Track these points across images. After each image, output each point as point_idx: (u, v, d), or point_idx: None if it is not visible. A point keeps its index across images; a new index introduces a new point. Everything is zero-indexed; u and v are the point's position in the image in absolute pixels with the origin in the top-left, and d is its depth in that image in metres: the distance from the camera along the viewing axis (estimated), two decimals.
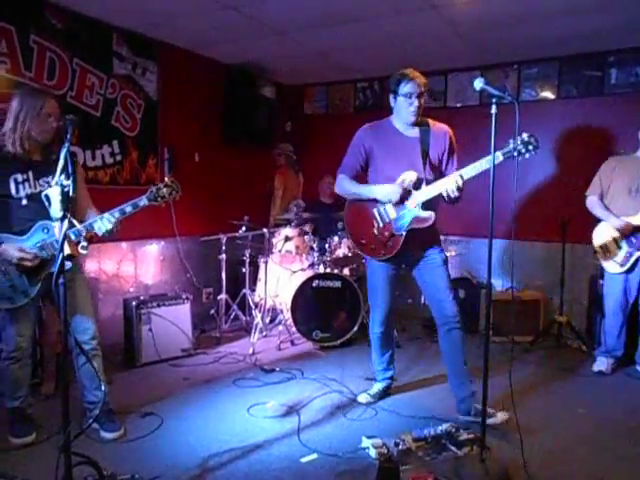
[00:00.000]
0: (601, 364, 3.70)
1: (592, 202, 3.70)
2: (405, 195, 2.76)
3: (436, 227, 2.88)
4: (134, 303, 3.77)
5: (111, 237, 2.53)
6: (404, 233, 2.80)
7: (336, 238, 4.62)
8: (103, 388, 2.53)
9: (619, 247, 3.56)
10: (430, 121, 2.89)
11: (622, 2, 3.47)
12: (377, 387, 3.19)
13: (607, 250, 3.62)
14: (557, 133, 4.74)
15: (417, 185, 2.76)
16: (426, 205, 2.76)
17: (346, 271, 4.53)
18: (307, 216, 4.79)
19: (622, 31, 4.06)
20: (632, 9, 3.58)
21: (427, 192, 2.74)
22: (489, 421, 2.54)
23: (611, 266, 3.61)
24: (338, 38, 4.29)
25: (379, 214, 2.87)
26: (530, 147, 2.41)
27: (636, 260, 3.49)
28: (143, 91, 4.39)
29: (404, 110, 2.79)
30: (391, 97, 2.86)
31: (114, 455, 2.49)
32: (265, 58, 4.92)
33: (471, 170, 2.58)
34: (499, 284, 4.84)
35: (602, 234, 3.65)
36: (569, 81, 4.72)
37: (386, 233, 2.85)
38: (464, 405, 2.84)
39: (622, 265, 3.54)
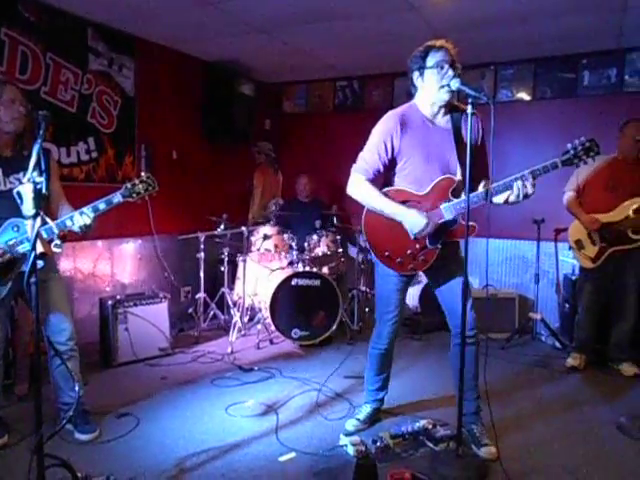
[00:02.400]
0: (574, 360, 3.77)
1: (569, 198, 3.78)
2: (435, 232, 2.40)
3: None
4: (110, 302, 3.72)
5: (85, 235, 2.48)
6: (440, 246, 2.46)
7: (315, 237, 4.63)
8: (77, 389, 2.48)
9: (593, 243, 3.64)
10: (460, 105, 2.47)
11: (593, 5, 3.54)
12: (366, 410, 2.83)
13: (582, 246, 3.70)
14: (532, 133, 4.81)
15: (456, 192, 2.41)
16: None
17: (325, 270, 4.53)
18: (285, 214, 4.78)
19: (594, 34, 4.15)
20: (603, 12, 3.66)
21: (454, 207, 2.38)
22: (474, 449, 2.50)
23: (585, 261, 3.70)
24: (318, 36, 4.29)
25: None
26: (592, 153, 2.27)
27: (609, 256, 3.58)
28: (120, 87, 4.33)
29: (436, 86, 2.35)
30: (416, 77, 2.44)
31: (89, 457, 2.45)
32: (244, 55, 4.90)
33: (535, 172, 2.31)
34: (475, 282, 4.91)
35: (577, 230, 3.73)
36: (544, 82, 4.81)
37: (417, 246, 2.45)
38: (464, 421, 2.47)
39: (595, 261, 3.63)
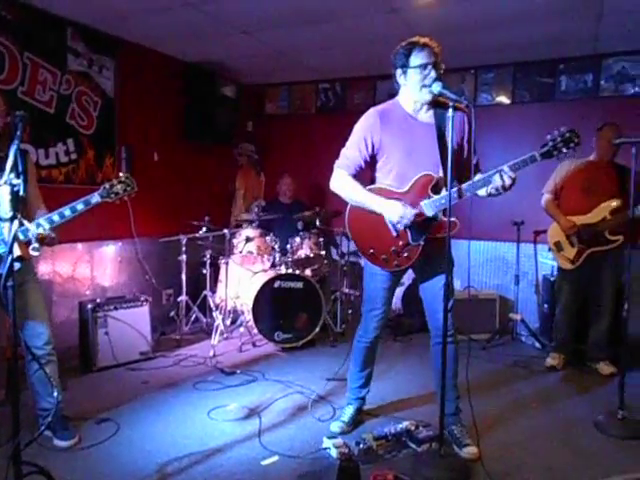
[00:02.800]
0: (552, 359, 3.84)
1: (547, 200, 3.85)
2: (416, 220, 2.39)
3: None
4: (90, 306, 3.66)
5: (53, 244, 2.42)
6: (422, 243, 2.46)
7: (298, 239, 4.62)
8: (56, 394, 2.44)
9: (572, 244, 3.71)
10: (444, 101, 2.42)
11: (570, 12, 3.61)
12: (349, 411, 2.82)
13: (560, 248, 3.77)
14: (512, 137, 4.88)
15: (436, 188, 2.41)
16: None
17: (308, 272, 4.53)
18: (267, 217, 4.77)
19: (571, 40, 4.23)
20: (580, 19, 3.74)
21: (438, 202, 2.38)
22: (456, 450, 2.52)
23: (563, 262, 3.76)
24: (300, 38, 4.30)
25: (392, 222, 2.46)
26: (571, 144, 2.25)
27: (587, 257, 3.65)
28: (100, 88, 4.27)
29: (418, 86, 2.36)
30: (398, 74, 2.43)
31: (68, 464, 2.42)
32: (226, 57, 4.88)
33: (514, 166, 2.29)
34: (457, 283, 4.95)
35: (556, 232, 3.80)
36: (523, 87, 4.89)
37: (401, 243, 2.46)
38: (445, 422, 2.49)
39: (574, 262, 3.69)
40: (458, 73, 5.04)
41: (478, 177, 2.41)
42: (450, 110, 2.23)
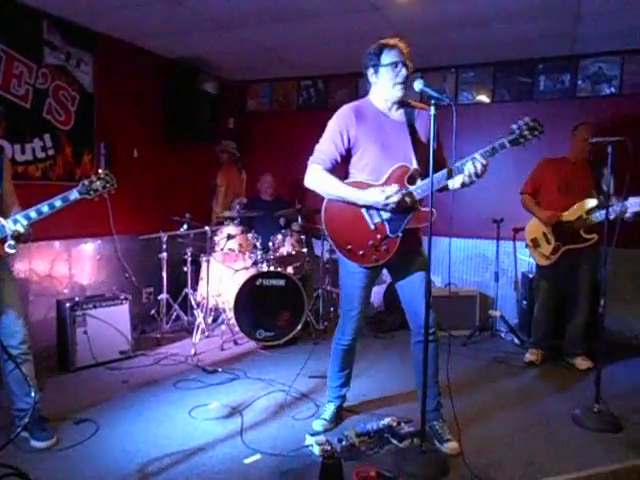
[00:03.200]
0: (531, 355, 3.90)
1: (525, 199, 3.91)
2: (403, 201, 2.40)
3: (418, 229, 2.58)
4: (68, 305, 3.60)
5: (28, 240, 2.38)
6: (400, 235, 2.47)
7: (279, 236, 4.61)
8: (33, 394, 2.39)
9: (548, 242, 3.77)
10: (412, 101, 2.58)
11: (549, 13, 3.67)
12: (330, 409, 2.83)
13: (537, 244, 3.83)
14: (492, 136, 4.90)
15: (412, 179, 2.44)
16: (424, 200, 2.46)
17: (290, 269, 4.52)
18: (249, 214, 4.75)
19: (549, 41, 4.29)
20: (558, 20, 3.79)
21: (421, 187, 2.42)
22: (437, 444, 2.55)
23: (540, 259, 3.82)
24: (283, 35, 4.28)
25: (369, 215, 2.48)
26: (536, 132, 2.35)
27: (563, 253, 3.71)
28: (78, 83, 4.19)
29: (389, 83, 2.43)
30: (370, 73, 2.50)
31: (46, 465, 2.37)
32: (208, 53, 4.83)
33: (485, 153, 2.36)
34: (438, 281, 5.01)
35: (533, 229, 3.86)
36: (502, 86, 4.95)
37: (379, 236, 2.47)
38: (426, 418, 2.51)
39: (550, 258, 3.76)
40: (439, 72, 5.08)
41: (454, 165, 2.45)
42: (432, 108, 2.26)
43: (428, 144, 2.46)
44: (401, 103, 2.54)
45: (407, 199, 2.41)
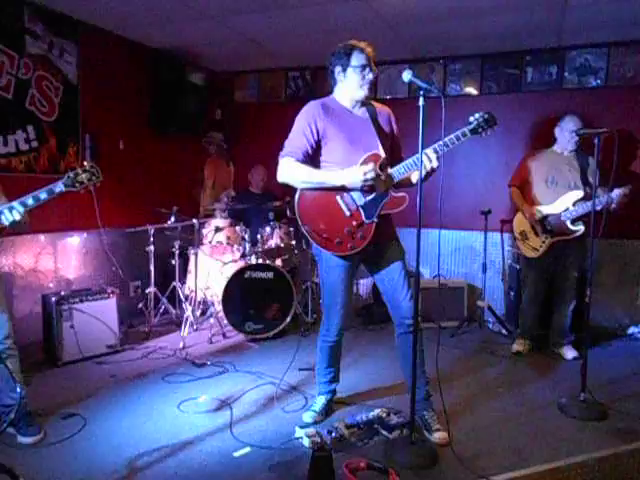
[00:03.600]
0: (518, 345, 3.94)
1: (513, 192, 3.94)
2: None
3: (392, 217, 2.66)
4: (54, 299, 3.56)
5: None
6: (376, 220, 2.51)
7: (268, 229, 4.59)
8: (19, 390, 2.36)
9: (536, 234, 3.80)
10: (372, 102, 2.70)
11: (536, 4, 3.67)
12: (320, 401, 2.84)
13: (525, 237, 3.85)
14: None
15: (383, 167, 2.51)
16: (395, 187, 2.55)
17: (278, 262, 4.51)
18: (238, 207, 4.72)
19: (537, 32, 4.30)
20: (545, 11, 3.80)
21: (399, 170, 2.49)
22: (426, 434, 2.57)
23: (528, 251, 3.85)
24: (270, 25, 4.23)
25: (344, 202, 2.50)
26: (490, 123, 2.47)
27: (550, 245, 3.74)
28: (61, 73, 4.11)
29: (356, 84, 2.52)
30: (338, 71, 2.58)
31: (33, 460, 2.35)
32: (194, 43, 4.77)
33: (444, 145, 2.44)
34: (426, 272, 5.03)
35: (522, 222, 3.88)
36: (490, 78, 4.95)
37: (354, 223, 2.50)
38: (416, 408, 2.52)
39: (538, 250, 3.79)
40: (427, 63, 5.07)
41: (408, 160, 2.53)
42: (420, 99, 2.27)
43: (391, 139, 2.66)
44: (363, 102, 2.64)
45: (382, 177, 2.48)
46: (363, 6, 3.76)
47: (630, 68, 4.48)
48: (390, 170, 2.52)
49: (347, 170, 2.45)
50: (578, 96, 4.61)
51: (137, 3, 3.79)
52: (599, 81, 4.59)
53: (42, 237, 4.04)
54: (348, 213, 2.50)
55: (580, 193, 3.66)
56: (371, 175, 2.40)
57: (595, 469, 2.36)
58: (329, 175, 2.49)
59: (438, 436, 2.53)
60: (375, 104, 2.70)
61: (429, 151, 2.42)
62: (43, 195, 2.28)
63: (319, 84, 5.51)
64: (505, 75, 4.89)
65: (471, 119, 2.48)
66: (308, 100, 2.68)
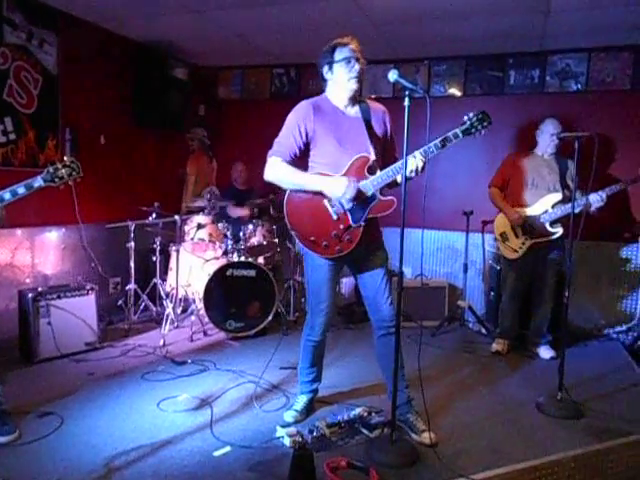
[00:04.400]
0: (498, 345, 3.99)
1: (493, 193, 3.98)
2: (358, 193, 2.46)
3: (378, 220, 2.66)
4: (30, 295, 3.48)
5: (0, 225, 2.30)
6: (363, 224, 2.50)
7: (250, 226, 4.56)
8: None
9: (516, 235, 3.84)
10: (367, 100, 2.66)
11: (519, 8, 3.71)
12: (302, 400, 2.84)
13: (506, 238, 3.90)
14: None
15: (372, 170, 2.51)
16: (383, 190, 2.53)
17: (261, 260, 4.49)
18: (221, 203, 4.68)
19: (520, 36, 4.36)
20: (527, 15, 3.84)
21: (386, 175, 2.47)
22: (413, 437, 2.57)
23: (508, 252, 3.90)
24: (255, 20, 4.20)
25: (331, 205, 2.49)
26: (485, 123, 2.45)
27: (530, 247, 3.79)
28: (41, 64, 4.03)
29: (344, 77, 2.50)
30: (325, 71, 2.57)
31: (8, 460, 2.30)
32: (178, 37, 4.71)
33: (434, 148, 2.43)
34: (408, 272, 5.06)
35: (502, 223, 3.92)
36: (474, 80, 5.00)
37: (341, 226, 2.49)
38: (399, 412, 2.57)
39: (518, 252, 3.83)
40: (412, 64, 5.10)
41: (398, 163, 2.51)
42: (406, 99, 2.27)
43: (384, 139, 2.63)
44: (356, 100, 2.61)
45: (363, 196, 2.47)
46: (350, 5, 3.75)
47: (609, 73, 4.57)
48: (363, 182, 2.47)
49: (331, 180, 2.45)
50: (559, 100, 4.69)
51: None
52: (579, 85, 4.67)
53: (19, 232, 3.95)
54: (335, 217, 2.49)
55: (559, 196, 3.72)
56: (349, 196, 2.42)
57: (571, 467, 2.41)
58: (312, 179, 2.49)
59: (427, 436, 2.53)
60: (369, 102, 2.66)
61: (417, 154, 2.40)
62: (21, 190, 2.24)
63: (304, 82, 5.50)
64: (488, 77, 4.95)
65: (465, 119, 2.46)
66: (293, 97, 2.69)
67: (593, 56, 4.61)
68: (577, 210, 3.27)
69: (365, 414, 2.68)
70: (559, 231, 3.71)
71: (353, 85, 2.52)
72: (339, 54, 2.51)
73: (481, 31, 4.26)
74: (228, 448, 2.46)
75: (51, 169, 2.28)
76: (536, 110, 4.54)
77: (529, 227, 3.77)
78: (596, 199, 3.52)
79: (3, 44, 3.73)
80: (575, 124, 4.32)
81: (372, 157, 2.51)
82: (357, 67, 2.50)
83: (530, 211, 3.78)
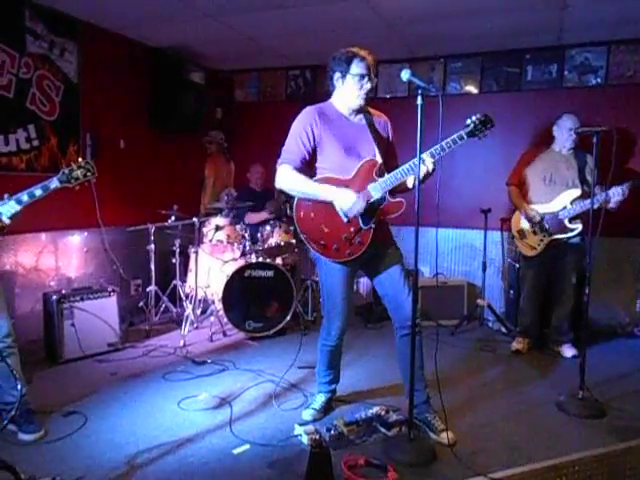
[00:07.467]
0: (518, 344, 3.95)
1: (511, 191, 3.94)
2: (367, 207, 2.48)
3: (389, 222, 2.68)
4: (55, 297, 3.57)
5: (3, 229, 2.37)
6: (373, 226, 2.52)
7: (268, 227, 4.60)
8: (19, 387, 2.37)
9: (534, 232, 3.80)
10: (369, 109, 2.69)
11: (536, 3, 3.67)
12: (320, 399, 2.85)
13: (524, 235, 3.86)
14: None
15: (381, 173, 2.53)
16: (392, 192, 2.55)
17: (278, 260, 4.52)
18: (239, 205, 4.72)
19: (537, 31, 4.30)
20: (544, 10, 3.80)
21: (395, 177, 2.47)
22: (432, 436, 2.56)
23: (527, 250, 3.86)
24: (269, 24, 4.23)
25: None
26: (488, 125, 2.46)
27: (548, 244, 3.75)
28: (62, 73, 4.12)
29: (353, 92, 2.52)
30: (337, 77, 2.56)
31: (34, 457, 2.37)
32: (194, 42, 4.77)
33: (440, 150, 2.42)
34: (426, 271, 5.03)
35: (519, 220, 3.88)
36: (490, 76, 4.95)
37: (352, 229, 2.50)
38: (417, 411, 2.58)
39: (536, 249, 3.79)
40: (427, 62, 5.06)
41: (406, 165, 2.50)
42: (419, 98, 2.28)
43: (386, 147, 2.64)
44: (360, 109, 2.63)
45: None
46: (363, 6, 3.76)
47: (629, 67, 4.48)
48: (372, 185, 2.49)
49: (337, 190, 2.46)
50: (578, 94, 4.61)
51: (137, 2, 3.80)
52: (599, 79, 4.59)
53: (43, 235, 4.05)
54: (346, 220, 2.49)
55: (578, 191, 3.66)
56: (355, 210, 2.45)
57: (593, 466, 2.37)
58: (323, 190, 2.49)
59: (446, 436, 2.52)
60: (372, 111, 2.70)
61: (425, 155, 2.40)
62: (38, 192, 2.30)
63: (319, 83, 5.51)
64: (505, 73, 4.89)
65: (468, 122, 2.47)
66: (308, 99, 2.70)
67: (613, 49, 4.52)
68: (596, 206, 3.22)
69: (383, 413, 2.68)
70: (578, 227, 3.66)
71: (360, 101, 2.54)
72: (355, 67, 2.50)
73: (497, 27, 4.22)
74: (247, 446, 2.50)
75: (66, 170, 2.34)
76: (554, 105, 4.47)
77: (547, 224, 3.72)
78: (617, 192, 3.45)
79: (26, 54, 3.84)
80: (594, 118, 4.25)
81: (379, 160, 2.54)
82: (368, 86, 2.51)
83: (548, 208, 3.73)
